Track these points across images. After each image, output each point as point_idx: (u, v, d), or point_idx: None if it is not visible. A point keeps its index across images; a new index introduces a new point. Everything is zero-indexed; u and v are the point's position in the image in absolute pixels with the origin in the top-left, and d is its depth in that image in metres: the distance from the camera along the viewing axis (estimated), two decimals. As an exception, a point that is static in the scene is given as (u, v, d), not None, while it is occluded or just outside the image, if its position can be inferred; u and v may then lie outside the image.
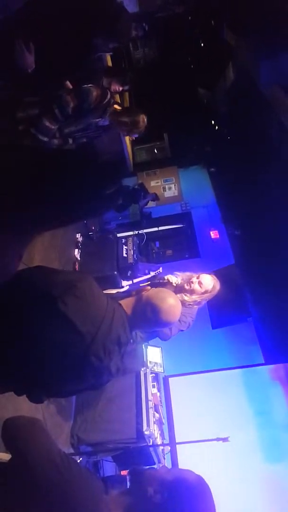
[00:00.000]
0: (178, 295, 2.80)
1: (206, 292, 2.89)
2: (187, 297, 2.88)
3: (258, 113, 5.33)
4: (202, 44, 5.70)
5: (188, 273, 3.06)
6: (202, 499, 1.10)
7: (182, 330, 2.94)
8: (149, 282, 3.34)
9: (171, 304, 1.64)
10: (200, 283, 2.89)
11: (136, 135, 2.97)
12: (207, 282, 2.90)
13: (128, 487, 1.18)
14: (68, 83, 2.85)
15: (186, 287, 2.91)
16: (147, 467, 3.81)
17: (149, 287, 1.77)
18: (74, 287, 1.54)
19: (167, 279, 3.06)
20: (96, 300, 1.58)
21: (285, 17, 3.80)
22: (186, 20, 5.58)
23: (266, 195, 5.66)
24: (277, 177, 5.31)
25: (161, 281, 3.10)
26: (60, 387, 1.65)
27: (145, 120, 2.91)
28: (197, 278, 2.93)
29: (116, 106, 2.83)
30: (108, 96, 2.70)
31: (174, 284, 3.01)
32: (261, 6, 4.23)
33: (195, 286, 2.89)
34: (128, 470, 1.23)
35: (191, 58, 6.41)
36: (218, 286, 2.95)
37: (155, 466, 3.86)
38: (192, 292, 2.89)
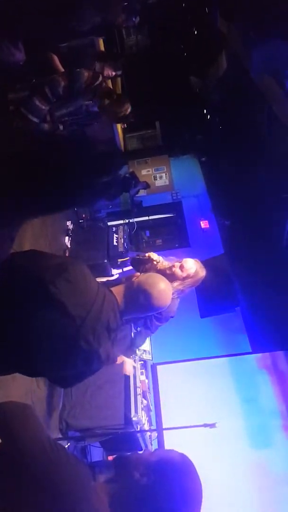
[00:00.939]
0: None
1: (187, 277, 2.74)
2: None
3: (250, 102, 5.32)
4: (195, 32, 5.65)
5: (171, 257, 2.94)
6: (189, 476, 1.12)
7: (160, 324, 2.89)
8: (127, 258, 3.21)
9: (162, 288, 1.66)
10: (181, 266, 2.74)
11: (123, 121, 2.96)
12: (189, 266, 2.76)
13: (114, 474, 1.19)
14: (59, 65, 2.83)
15: (168, 272, 2.75)
16: (131, 452, 3.87)
17: (138, 273, 1.78)
18: (66, 270, 1.55)
19: (148, 256, 2.91)
20: (87, 284, 1.59)
21: (278, 7, 3.78)
22: (180, 7, 5.51)
23: (256, 185, 5.68)
24: (267, 167, 5.33)
25: (142, 257, 2.95)
26: (51, 370, 1.66)
27: (128, 107, 2.90)
28: (179, 262, 2.81)
29: (107, 86, 2.81)
30: (100, 78, 2.68)
31: (156, 261, 2.88)
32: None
33: (176, 270, 2.73)
34: (112, 460, 1.24)
35: (184, 46, 6.36)
36: (202, 273, 2.81)
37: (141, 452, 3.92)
38: (173, 277, 2.72)
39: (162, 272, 2.74)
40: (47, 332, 1.49)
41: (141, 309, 1.71)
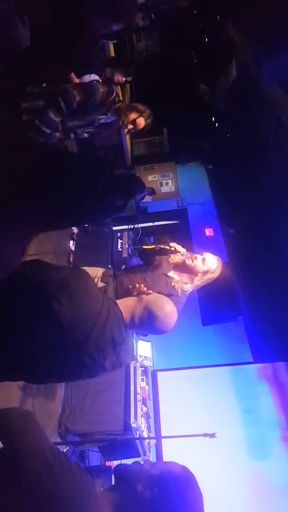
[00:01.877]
0: (177, 279, 2.60)
1: (208, 271, 2.63)
2: (187, 286, 2.61)
3: (258, 112, 5.33)
4: (206, 40, 5.68)
5: (189, 252, 2.80)
6: (191, 490, 1.11)
7: None
8: (153, 246, 3.08)
9: (168, 311, 1.65)
10: (203, 260, 2.63)
11: (137, 126, 2.94)
12: (211, 261, 2.64)
13: (115, 484, 1.18)
14: (73, 75, 2.85)
15: (188, 262, 2.64)
16: (132, 460, 3.85)
17: (150, 291, 1.75)
18: (69, 286, 1.53)
19: (173, 247, 2.75)
20: (90, 298, 1.57)
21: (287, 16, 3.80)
22: (191, 14, 5.54)
23: (262, 195, 5.68)
24: (274, 176, 5.34)
25: (166, 247, 2.77)
26: (54, 381, 1.65)
27: (151, 114, 2.89)
28: (201, 255, 2.68)
29: (120, 104, 2.82)
30: (114, 94, 2.69)
31: (181, 254, 2.72)
32: (266, 4, 4.21)
33: (198, 262, 2.62)
34: (113, 469, 1.24)
35: (194, 53, 6.38)
36: (220, 270, 2.69)
37: (140, 459, 3.90)
38: (193, 270, 2.63)
39: (180, 264, 2.68)
40: (51, 347, 1.48)
41: (144, 328, 1.71)
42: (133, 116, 2.85)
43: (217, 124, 6.84)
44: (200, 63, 6.34)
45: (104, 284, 2.58)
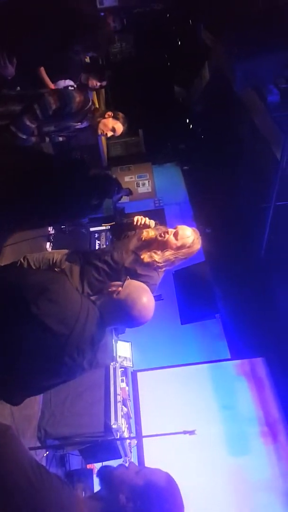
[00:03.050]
0: (147, 254, 2.42)
1: (182, 246, 2.44)
2: (157, 256, 2.40)
3: (232, 114, 5.42)
4: (179, 42, 5.74)
5: (160, 227, 2.65)
6: (173, 503, 1.14)
7: None
8: (114, 223, 2.99)
9: (143, 303, 1.67)
10: (176, 233, 2.44)
11: (115, 132, 2.98)
12: (185, 234, 2.45)
13: (98, 490, 1.19)
14: (46, 77, 2.88)
15: (159, 238, 2.45)
16: (115, 461, 3.86)
17: (118, 283, 1.74)
18: (47, 290, 1.55)
19: (139, 220, 2.59)
20: (69, 301, 1.59)
21: (263, 22, 3.88)
22: (164, 17, 5.59)
23: (237, 194, 5.79)
24: (248, 177, 5.45)
25: (127, 221, 2.69)
26: (34, 385, 1.65)
27: (125, 120, 2.93)
28: (174, 229, 2.49)
29: (96, 112, 2.85)
30: (90, 102, 2.72)
31: (150, 227, 2.59)
32: (239, 9, 4.30)
33: (170, 237, 2.43)
34: (97, 471, 1.25)
35: (168, 56, 6.44)
36: (198, 244, 2.50)
37: (121, 460, 3.91)
38: (164, 245, 2.43)
39: (151, 240, 2.51)
40: (30, 349, 1.49)
41: (120, 321, 1.73)
42: (111, 123, 2.88)
43: (191, 126, 6.92)
44: (174, 65, 6.40)
45: (69, 264, 2.48)
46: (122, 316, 1.69)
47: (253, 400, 4.59)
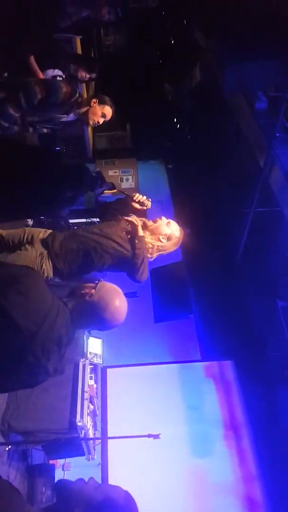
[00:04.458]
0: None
1: (170, 238, 2.56)
2: (149, 238, 2.50)
3: (219, 116, 5.43)
4: (172, 41, 5.71)
5: (142, 219, 2.67)
6: None
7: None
8: (115, 190, 2.92)
9: (116, 306, 1.64)
10: (168, 223, 2.57)
11: (105, 117, 2.91)
12: (175, 228, 2.58)
13: (54, 503, 1.15)
14: (36, 66, 2.80)
15: (151, 222, 2.57)
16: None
17: (92, 285, 1.72)
18: (18, 282, 1.51)
19: (137, 198, 2.60)
20: (40, 297, 1.55)
21: (257, 29, 3.88)
22: (160, 15, 5.55)
23: (218, 196, 5.81)
24: (231, 180, 5.47)
25: (127, 194, 2.68)
26: None
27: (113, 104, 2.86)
28: (166, 219, 2.60)
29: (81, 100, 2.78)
30: (77, 94, 2.65)
31: (146, 207, 2.64)
32: (232, 12, 4.28)
33: (162, 223, 2.55)
34: (55, 483, 1.21)
35: (160, 53, 6.40)
36: (178, 244, 2.62)
37: (84, 458, 3.90)
38: (155, 231, 2.53)
39: (142, 225, 2.56)
40: None
41: (92, 323, 1.70)
42: (99, 110, 2.81)
43: (179, 125, 6.90)
44: (166, 63, 6.36)
45: (53, 232, 2.51)
46: (94, 318, 1.66)
47: (219, 403, 4.65)
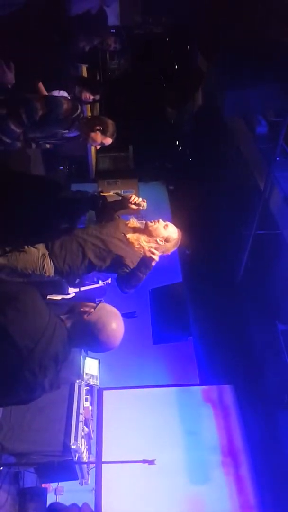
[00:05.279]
0: (133, 235, 2.60)
1: (168, 240, 2.62)
2: (144, 242, 2.58)
3: (220, 140, 5.51)
4: (175, 66, 5.86)
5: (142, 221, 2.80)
6: None
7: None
8: (112, 194, 2.99)
9: (113, 329, 1.63)
10: (166, 226, 2.63)
11: (110, 141, 2.95)
12: (173, 229, 2.65)
13: None
14: (43, 89, 2.87)
15: (150, 223, 2.63)
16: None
17: (92, 304, 1.72)
18: (16, 299, 1.52)
19: (134, 200, 2.67)
20: (37, 314, 1.55)
21: (257, 54, 3.98)
22: (163, 40, 5.71)
23: (219, 219, 5.84)
24: (231, 202, 5.51)
25: (124, 196, 2.76)
26: None
27: (114, 125, 2.91)
28: (164, 221, 2.68)
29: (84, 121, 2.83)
30: (79, 110, 2.69)
31: (142, 208, 2.71)
32: (234, 38, 4.41)
33: (160, 225, 2.62)
34: (48, 506, 1.19)
35: (164, 77, 6.55)
36: (175, 247, 2.70)
37: (77, 482, 3.79)
38: (153, 233, 2.61)
39: (136, 228, 2.67)
40: None
41: (87, 344, 1.69)
42: (100, 139, 2.86)
43: (180, 148, 7.01)
44: (169, 87, 6.51)
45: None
46: (89, 338, 1.65)
47: (217, 428, 4.55)
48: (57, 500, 4.12)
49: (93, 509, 3.69)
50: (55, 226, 2.59)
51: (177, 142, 7.08)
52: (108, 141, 2.92)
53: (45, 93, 3.15)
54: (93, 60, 5.20)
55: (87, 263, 2.55)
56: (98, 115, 3.27)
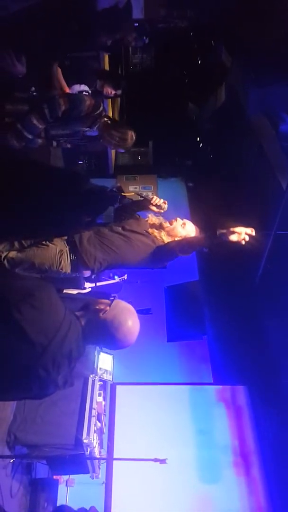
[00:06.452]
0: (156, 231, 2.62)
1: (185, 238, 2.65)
2: (166, 238, 2.61)
3: (242, 137, 5.42)
4: (199, 61, 5.77)
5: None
6: None
7: None
8: (133, 193, 3.02)
9: (129, 327, 1.64)
10: (183, 224, 2.67)
11: (122, 150, 2.96)
12: (191, 228, 2.69)
13: None
14: (63, 80, 2.86)
15: (166, 225, 2.67)
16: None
17: (107, 301, 1.71)
18: (32, 296, 1.51)
19: (155, 201, 2.70)
20: (52, 311, 1.55)
21: (282, 51, 3.89)
22: (188, 35, 5.63)
23: (238, 217, 5.75)
24: (251, 202, 5.42)
25: (145, 197, 2.77)
26: (2, 393, 1.61)
27: (134, 137, 2.89)
28: (181, 220, 2.71)
29: (106, 119, 2.81)
30: (101, 108, 2.69)
31: (162, 209, 2.73)
32: (262, 35, 4.31)
33: (178, 224, 2.65)
34: (56, 508, 1.19)
35: (186, 72, 6.47)
36: None
37: (88, 476, 3.82)
38: (171, 232, 2.64)
39: (158, 225, 2.69)
40: (4, 355, 1.45)
41: (102, 341, 1.69)
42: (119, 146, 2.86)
43: (201, 144, 6.92)
44: (192, 83, 6.42)
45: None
46: (105, 336, 1.66)
47: (229, 428, 4.51)
48: (68, 492, 4.17)
49: (103, 507, 3.69)
50: (78, 221, 2.58)
51: (198, 139, 7.00)
52: (126, 148, 2.92)
53: (65, 84, 3.14)
54: (115, 53, 5.15)
55: (112, 260, 2.56)
56: (121, 122, 3.25)
